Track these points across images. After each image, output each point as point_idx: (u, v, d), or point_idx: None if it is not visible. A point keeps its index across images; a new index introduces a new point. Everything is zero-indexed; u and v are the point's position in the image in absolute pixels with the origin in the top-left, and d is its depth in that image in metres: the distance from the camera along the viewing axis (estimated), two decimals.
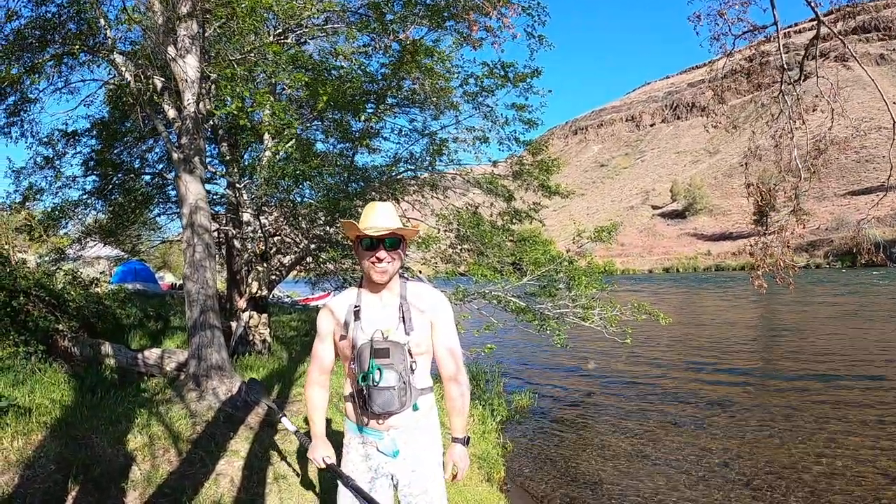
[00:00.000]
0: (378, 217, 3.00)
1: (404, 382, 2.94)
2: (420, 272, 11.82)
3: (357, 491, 3.00)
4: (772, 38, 6.36)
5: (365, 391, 2.92)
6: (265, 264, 10.65)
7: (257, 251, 10.83)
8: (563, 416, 10.88)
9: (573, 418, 10.67)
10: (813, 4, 5.33)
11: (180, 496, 4.66)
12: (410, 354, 2.98)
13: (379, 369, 2.89)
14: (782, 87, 6.30)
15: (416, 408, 3.06)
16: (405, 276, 3.22)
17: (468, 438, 3.24)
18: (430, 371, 3.14)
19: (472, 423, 8.82)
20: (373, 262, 2.97)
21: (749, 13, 6.23)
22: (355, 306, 3.06)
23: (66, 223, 14.24)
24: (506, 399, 11.12)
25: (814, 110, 6.43)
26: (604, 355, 16.47)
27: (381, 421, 3.03)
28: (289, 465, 5.69)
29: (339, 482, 3.13)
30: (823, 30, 5.91)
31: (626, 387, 12.91)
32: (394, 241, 3.00)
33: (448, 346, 3.11)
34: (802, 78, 6.38)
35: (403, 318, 3.01)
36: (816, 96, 6.25)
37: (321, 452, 3.24)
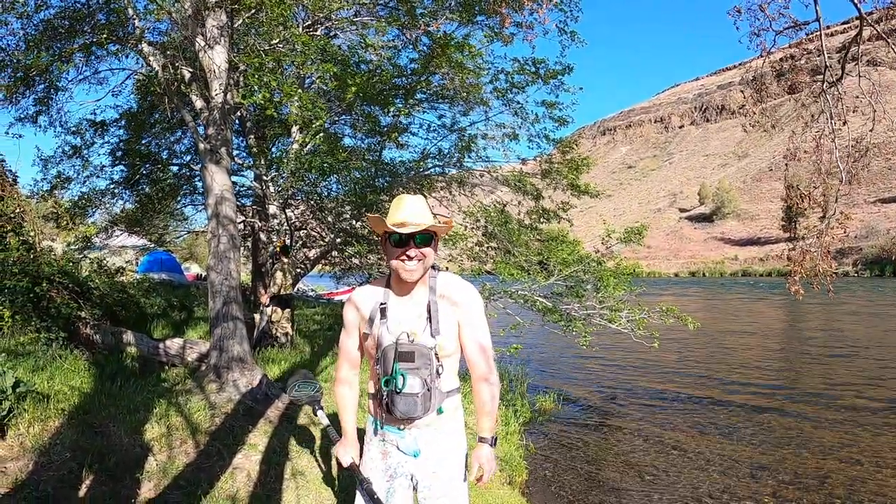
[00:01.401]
0: (408, 211, 2.83)
1: (428, 389, 2.78)
2: (447, 269, 11.75)
3: (370, 495, 2.89)
4: (812, 37, 6.19)
5: (387, 395, 2.79)
6: (287, 259, 10.61)
7: (278, 246, 10.80)
8: (587, 419, 10.73)
9: (597, 422, 10.53)
10: (856, 2, 5.14)
11: (195, 489, 4.59)
12: (437, 358, 2.81)
13: (402, 375, 2.74)
14: (823, 87, 6.11)
15: (440, 411, 2.89)
16: (436, 266, 3.03)
17: (496, 439, 3.03)
18: (458, 370, 3.01)
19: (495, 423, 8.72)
20: (402, 261, 2.78)
21: (790, 8, 6.05)
22: (382, 303, 2.90)
23: (94, 212, 14.37)
24: (529, 400, 10.99)
25: (854, 111, 6.23)
26: (630, 359, 16.29)
27: (402, 426, 2.90)
28: (308, 461, 5.61)
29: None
30: (865, 31, 5.73)
31: (651, 391, 12.73)
32: (425, 238, 2.84)
33: (479, 343, 2.91)
34: (843, 77, 6.18)
35: (430, 318, 2.83)
36: (857, 97, 6.06)
37: (347, 452, 3.13)
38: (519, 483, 7.17)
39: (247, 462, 5.26)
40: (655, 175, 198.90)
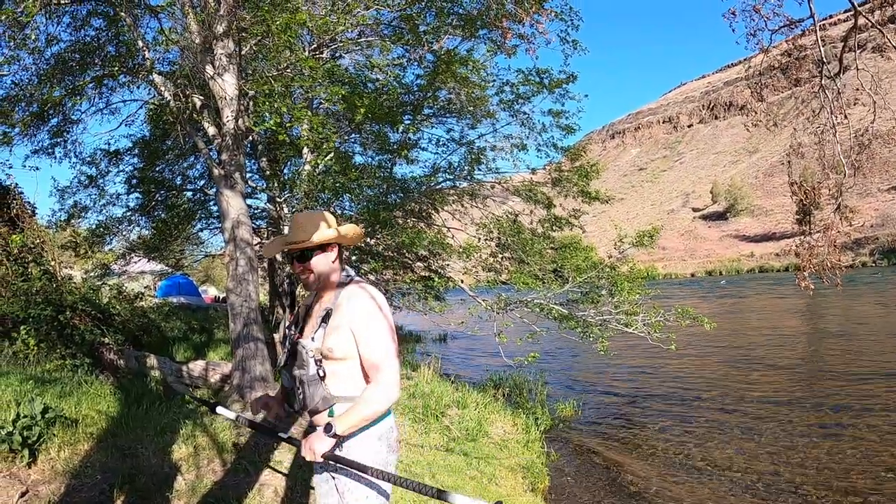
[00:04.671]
0: (291, 231, 3.02)
1: (300, 385, 2.90)
2: (462, 281, 11.82)
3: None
4: (808, 32, 6.26)
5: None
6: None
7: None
8: (608, 424, 10.75)
9: (617, 427, 10.55)
10: None
11: None
12: (319, 361, 2.92)
13: (285, 368, 3.00)
14: (822, 82, 6.18)
15: (331, 413, 2.93)
16: (351, 278, 3.14)
17: (334, 430, 2.78)
18: (359, 378, 2.98)
19: (515, 431, 8.79)
20: (299, 273, 3.04)
21: (784, 7, 6.13)
22: (307, 307, 3.15)
23: (111, 239, 14.57)
24: (549, 408, 11.01)
25: (855, 104, 6.30)
26: (647, 362, 16.29)
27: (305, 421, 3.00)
28: None
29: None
30: (861, 20, 5.79)
31: (670, 395, 12.69)
32: (303, 255, 3.01)
33: (365, 355, 2.91)
34: (842, 71, 6.25)
35: (323, 322, 2.94)
36: (857, 89, 6.13)
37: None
38: (541, 490, 7.25)
39: (273, 478, 5.38)
40: (667, 176, 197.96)
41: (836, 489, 7.30)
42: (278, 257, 12.77)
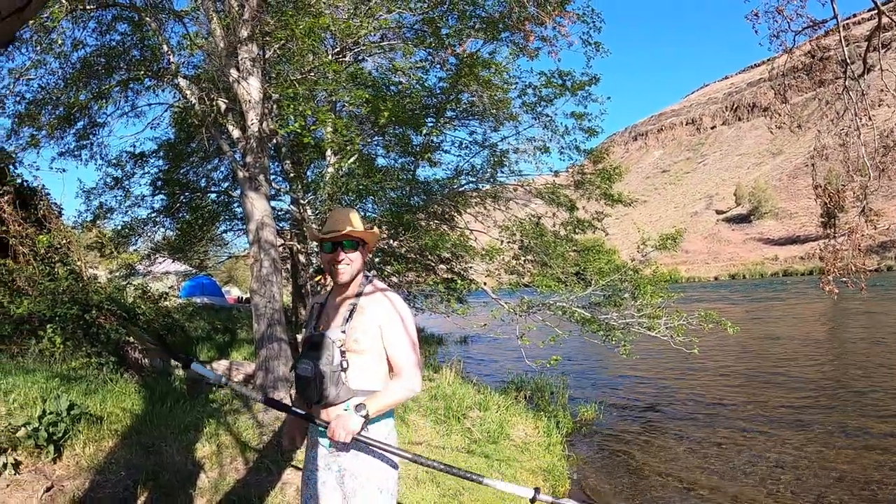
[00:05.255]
0: (335, 222, 3.13)
1: (321, 374, 2.96)
2: (485, 283, 11.84)
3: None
4: (832, 32, 6.22)
5: (293, 378, 3.18)
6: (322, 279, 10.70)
7: (314, 270, 10.91)
8: (629, 427, 10.71)
9: (639, 430, 10.50)
10: None
11: (247, 503, 4.76)
12: (343, 352, 3.00)
13: (304, 359, 3.04)
14: (846, 83, 6.13)
15: (347, 408, 2.98)
16: (369, 276, 3.28)
17: (367, 411, 2.90)
18: (381, 373, 3.09)
19: (537, 434, 8.79)
20: (333, 265, 3.09)
21: (807, 8, 6.11)
22: (319, 303, 3.28)
23: (136, 240, 14.74)
24: (571, 411, 11.00)
25: (880, 104, 6.24)
26: (669, 366, 16.21)
27: (316, 416, 3.06)
28: None
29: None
30: (884, 20, 5.74)
31: (692, 399, 12.62)
32: (351, 244, 3.11)
33: (392, 352, 3.06)
34: (866, 72, 6.20)
35: (349, 317, 3.06)
36: (882, 90, 6.08)
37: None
38: (563, 493, 7.23)
39: (295, 477, 5.42)
40: (690, 178, 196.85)
41: (861, 498, 7.22)
42: (301, 259, 12.89)
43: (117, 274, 14.30)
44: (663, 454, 9.23)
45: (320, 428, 3.01)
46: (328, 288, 3.33)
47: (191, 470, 5.12)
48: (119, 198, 13.62)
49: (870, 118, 6.15)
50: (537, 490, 3.15)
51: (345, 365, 3.00)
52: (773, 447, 9.16)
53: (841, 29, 5.73)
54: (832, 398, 12.01)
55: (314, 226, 2.64)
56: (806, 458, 8.57)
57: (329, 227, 3.11)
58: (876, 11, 5.50)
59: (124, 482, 4.64)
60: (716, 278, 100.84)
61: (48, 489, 4.38)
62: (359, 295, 3.13)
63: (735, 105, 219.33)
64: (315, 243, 2.95)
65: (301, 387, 3.07)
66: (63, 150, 11.51)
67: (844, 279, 6.45)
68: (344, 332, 3.02)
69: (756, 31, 6.28)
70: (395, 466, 3.12)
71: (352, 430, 2.84)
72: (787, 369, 15.24)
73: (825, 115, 6.66)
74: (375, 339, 3.04)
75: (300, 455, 5.84)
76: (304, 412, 3.14)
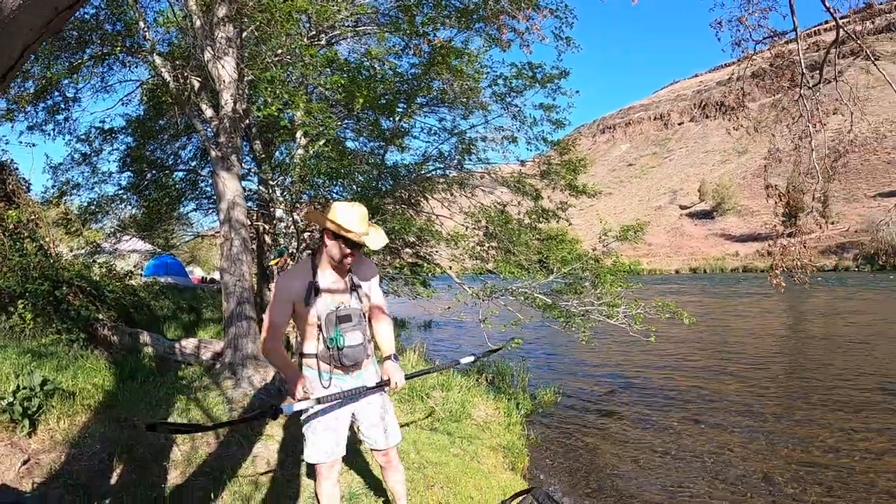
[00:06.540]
0: (360, 222, 3.64)
1: (368, 340, 3.82)
2: (450, 268, 12.00)
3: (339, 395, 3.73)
4: (791, 42, 6.48)
5: (333, 350, 3.66)
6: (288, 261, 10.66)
7: (274, 262, 10.83)
8: (587, 411, 11.01)
9: (596, 414, 10.81)
10: (831, 9, 5.44)
11: (220, 475, 4.92)
12: (364, 316, 3.83)
13: (343, 335, 3.66)
14: (801, 91, 6.42)
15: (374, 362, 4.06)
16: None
17: (396, 355, 4.01)
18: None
19: (497, 414, 9.04)
20: (347, 257, 3.69)
21: (769, 19, 6.35)
22: (313, 282, 3.71)
23: (102, 218, 14.62)
24: (531, 394, 11.29)
25: (834, 113, 6.54)
26: (628, 354, 16.59)
27: (350, 371, 3.83)
28: None
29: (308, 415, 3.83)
30: (844, 32, 6.03)
31: (649, 385, 13.00)
32: (356, 244, 3.72)
33: (379, 302, 4.04)
34: (822, 82, 6.48)
35: (354, 290, 3.83)
36: (837, 99, 6.37)
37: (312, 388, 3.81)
38: (521, 469, 7.49)
39: (265, 450, 5.59)
40: (656, 172, 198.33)
41: (803, 478, 7.59)
42: (268, 240, 12.93)
43: (82, 252, 14.19)
44: (619, 436, 9.55)
45: (340, 380, 3.81)
46: (314, 270, 3.78)
47: (164, 444, 5.25)
48: (86, 174, 13.47)
49: (824, 125, 6.45)
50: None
51: (367, 327, 3.86)
52: (723, 433, 9.52)
53: (799, 41, 6.00)
54: (782, 388, 12.48)
55: (332, 220, 2.94)
56: (756, 444, 8.93)
57: (352, 226, 3.59)
58: (835, 25, 5.77)
59: (99, 455, 4.76)
60: (677, 271, 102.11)
61: (25, 462, 4.49)
62: (351, 271, 3.84)
63: (703, 103, 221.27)
64: (318, 229, 3.38)
65: (349, 354, 3.69)
66: (32, 124, 11.38)
67: (791, 274, 6.76)
68: (361, 301, 3.82)
69: (719, 39, 6.53)
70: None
71: (402, 374, 3.89)
72: (740, 361, 15.67)
73: (781, 120, 6.95)
74: (368, 301, 3.93)
75: (269, 430, 6.03)
76: (372, 385, 3.91)
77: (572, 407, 11.34)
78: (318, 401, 3.60)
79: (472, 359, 4.75)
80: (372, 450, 4.12)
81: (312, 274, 3.73)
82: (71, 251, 14.18)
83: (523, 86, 11.18)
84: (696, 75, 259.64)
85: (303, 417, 3.82)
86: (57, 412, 5.08)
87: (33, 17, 1.50)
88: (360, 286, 3.85)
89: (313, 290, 3.67)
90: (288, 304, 3.72)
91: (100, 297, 8.90)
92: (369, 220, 3.78)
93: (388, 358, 3.91)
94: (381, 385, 3.88)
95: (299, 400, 3.58)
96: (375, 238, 3.78)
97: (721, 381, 13.28)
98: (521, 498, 3.72)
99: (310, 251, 13.08)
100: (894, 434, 9.16)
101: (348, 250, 3.65)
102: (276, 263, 10.44)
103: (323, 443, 3.79)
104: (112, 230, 15.21)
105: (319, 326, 3.68)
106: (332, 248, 3.67)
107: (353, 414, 3.94)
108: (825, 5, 5.35)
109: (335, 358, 3.68)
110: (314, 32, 10.06)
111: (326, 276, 3.77)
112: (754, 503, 6.93)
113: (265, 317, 3.79)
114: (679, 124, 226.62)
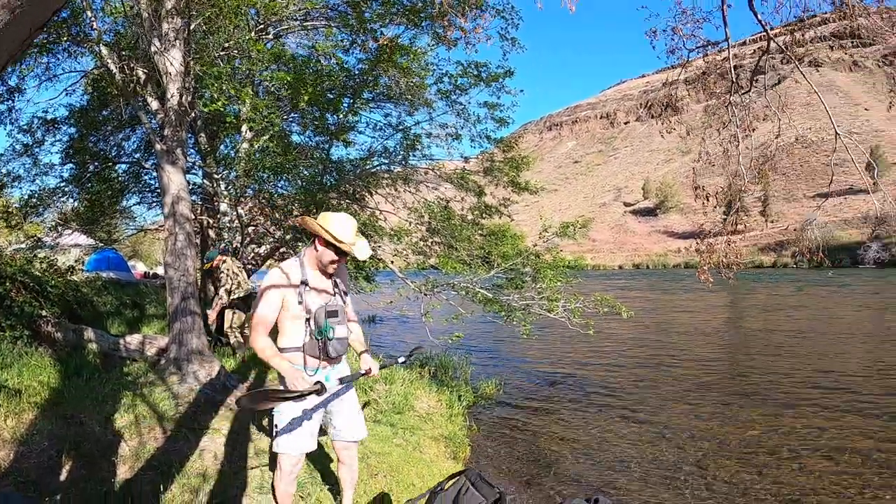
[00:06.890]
0: (351, 233, 4.03)
1: (347, 335, 4.16)
2: (392, 263, 12.09)
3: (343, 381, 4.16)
4: (724, 51, 6.77)
5: (322, 342, 3.97)
6: (231, 260, 10.46)
7: (208, 266, 10.56)
8: (528, 403, 11.24)
9: (537, 406, 11.04)
10: (763, 22, 5.72)
11: (168, 469, 4.96)
12: (346, 316, 4.19)
13: (332, 328, 3.97)
14: (731, 98, 6.72)
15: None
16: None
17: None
18: None
19: (440, 406, 9.21)
20: (335, 263, 4.05)
21: (703, 30, 6.63)
22: (303, 280, 4.01)
23: (44, 211, 14.31)
24: (472, 386, 11.48)
25: (764, 119, 6.86)
26: (570, 348, 16.92)
27: (331, 364, 4.15)
28: (269, 441, 5.99)
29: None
30: (776, 44, 6.35)
31: (590, 378, 13.31)
32: (344, 252, 4.06)
33: (351, 305, 4.42)
34: (751, 90, 6.81)
35: (339, 293, 4.21)
36: (766, 107, 6.69)
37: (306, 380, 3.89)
38: (463, 458, 7.69)
39: (212, 444, 5.64)
40: (601, 170, 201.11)
41: (736, 461, 7.99)
42: (212, 234, 12.85)
43: (22, 246, 13.89)
44: (558, 426, 9.81)
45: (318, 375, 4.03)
46: (302, 268, 4.08)
47: (111, 440, 5.27)
48: (27, 165, 13.19)
49: (753, 130, 6.79)
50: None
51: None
52: (659, 423, 9.84)
53: (730, 50, 6.30)
54: (718, 380, 12.93)
55: (328, 230, 3.16)
56: (690, 432, 9.29)
57: (344, 237, 3.96)
58: (765, 36, 6.08)
59: (48, 452, 4.77)
60: (620, 267, 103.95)
61: None
62: (334, 273, 4.17)
63: (649, 103, 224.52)
64: (310, 234, 3.65)
65: (335, 346, 4.02)
66: None
67: (718, 270, 7.07)
68: (345, 302, 4.22)
69: (654, 47, 6.81)
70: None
71: (377, 365, 4.35)
72: (680, 355, 16.15)
73: (711, 124, 7.27)
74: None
75: (216, 424, 6.09)
76: (360, 373, 4.30)
77: (514, 398, 11.57)
78: (322, 388, 3.76)
79: (402, 359, 5.01)
80: (336, 442, 4.41)
81: (302, 273, 4.03)
82: (10, 245, 13.87)
83: (468, 84, 11.33)
84: (644, 76, 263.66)
85: (277, 408, 4.04)
86: (3, 410, 5.04)
87: (11, 38, 1.57)
88: (342, 289, 4.24)
89: (306, 286, 3.99)
90: (279, 297, 3.94)
91: (43, 292, 8.71)
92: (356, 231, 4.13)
93: (365, 351, 4.36)
94: (363, 374, 4.26)
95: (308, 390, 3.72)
96: (363, 248, 4.13)
97: (659, 373, 13.69)
98: (455, 479, 3.86)
99: (254, 245, 13.08)
100: (819, 424, 9.61)
101: (336, 257, 4.01)
102: (211, 266, 10.28)
103: (299, 434, 4.00)
104: (53, 224, 14.90)
105: (308, 319, 3.96)
106: (324, 253, 4.00)
107: (326, 410, 4.24)
108: (757, 18, 5.63)
109: (322, 349, 3.97)
110: (262, 26, 10.06)
111: (314, 276, 4.09)
112: (686, 486, 7.23)
113: (255, 312, 3.95)
114: (625, 123, 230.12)
